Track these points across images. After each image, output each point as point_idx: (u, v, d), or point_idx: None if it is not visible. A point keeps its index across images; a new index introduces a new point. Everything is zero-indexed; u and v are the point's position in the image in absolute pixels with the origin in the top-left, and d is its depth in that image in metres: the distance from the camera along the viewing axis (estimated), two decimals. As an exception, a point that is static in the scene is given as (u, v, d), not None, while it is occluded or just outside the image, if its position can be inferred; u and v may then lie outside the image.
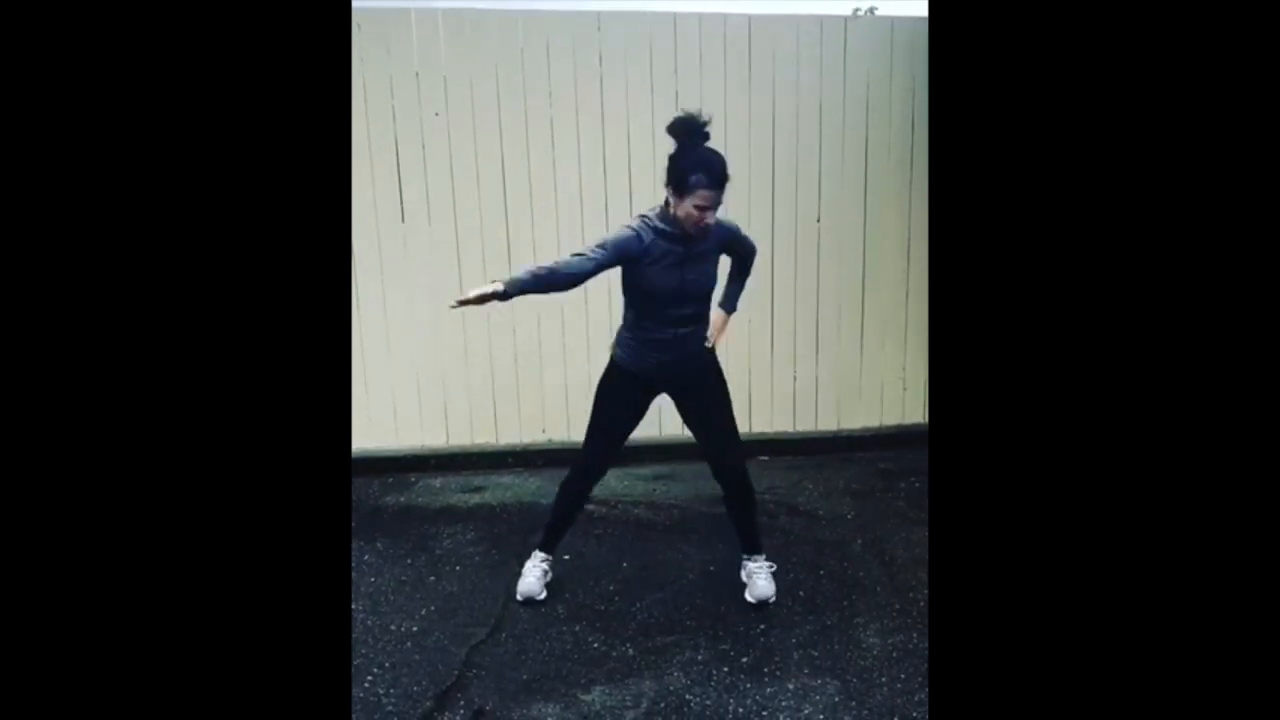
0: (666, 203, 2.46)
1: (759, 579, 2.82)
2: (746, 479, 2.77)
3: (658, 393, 2.76)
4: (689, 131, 2.40)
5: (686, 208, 2.39)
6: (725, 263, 2.72)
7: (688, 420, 2.81)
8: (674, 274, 2.49)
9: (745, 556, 2.89)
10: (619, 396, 2.70)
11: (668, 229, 2.46)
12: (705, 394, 2.73)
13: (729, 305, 2.82)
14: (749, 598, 2.81)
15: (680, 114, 2.43)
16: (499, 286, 2.25)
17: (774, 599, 2.79)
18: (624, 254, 2.43)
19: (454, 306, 2.28)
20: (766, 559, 2.88)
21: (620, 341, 2.69)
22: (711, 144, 2.43)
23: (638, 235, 2.44)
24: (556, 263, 2.34)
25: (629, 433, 2.78)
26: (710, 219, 2.41)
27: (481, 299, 2.24)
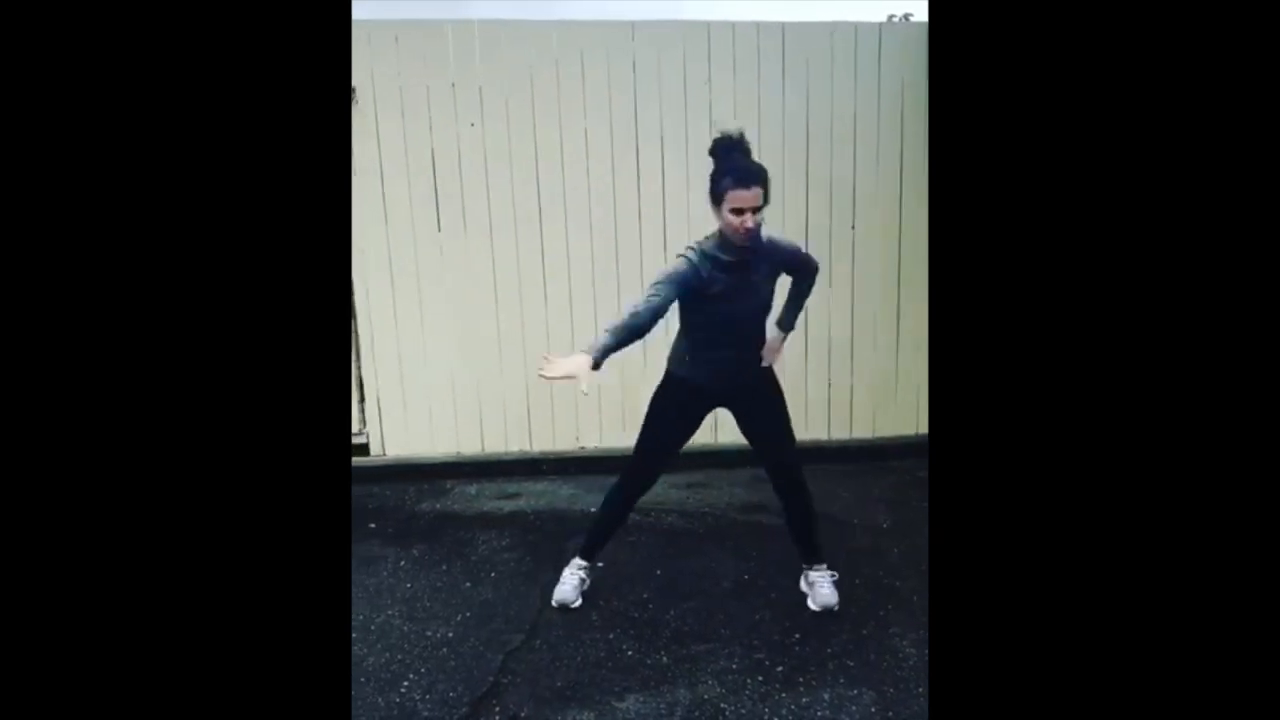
0: (720, 231, 2.47)
1: (821, 587, 2.80)
2: (803, 487, 2.76)
3: (713, 406, 2.78)
4: (719, 146, 2.43)
5: (726, 217, 2.40)
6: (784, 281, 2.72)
7: (744, 430, 2.81)
8: (733, 305, 2.51)
9: (805, 566, 2.87)
10: (674, 408, 2.72)
11: (723, 257, 2.46)
12: (761, 405, 2.74)
13: (786, 324, 2.79)
14: (813, 606, 2.79)
15: (716, 134, 2.45)
16: (586, 360, 2.20)
17: (838, 607, 2.76)
18: (685, 286, 2.42)
19: (542, 376, 2.22)
20: (828, 567, 2.85)
21: (676, 358, 2.70)
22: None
23: (695, 269, 2.43)
24: (629, 314, 2.31)
25: (682, 444, 2.79)
26: (751, 222, 2.38)
27: (570, 376, 2.18)
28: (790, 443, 2.77)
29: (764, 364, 2.72)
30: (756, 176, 2.38)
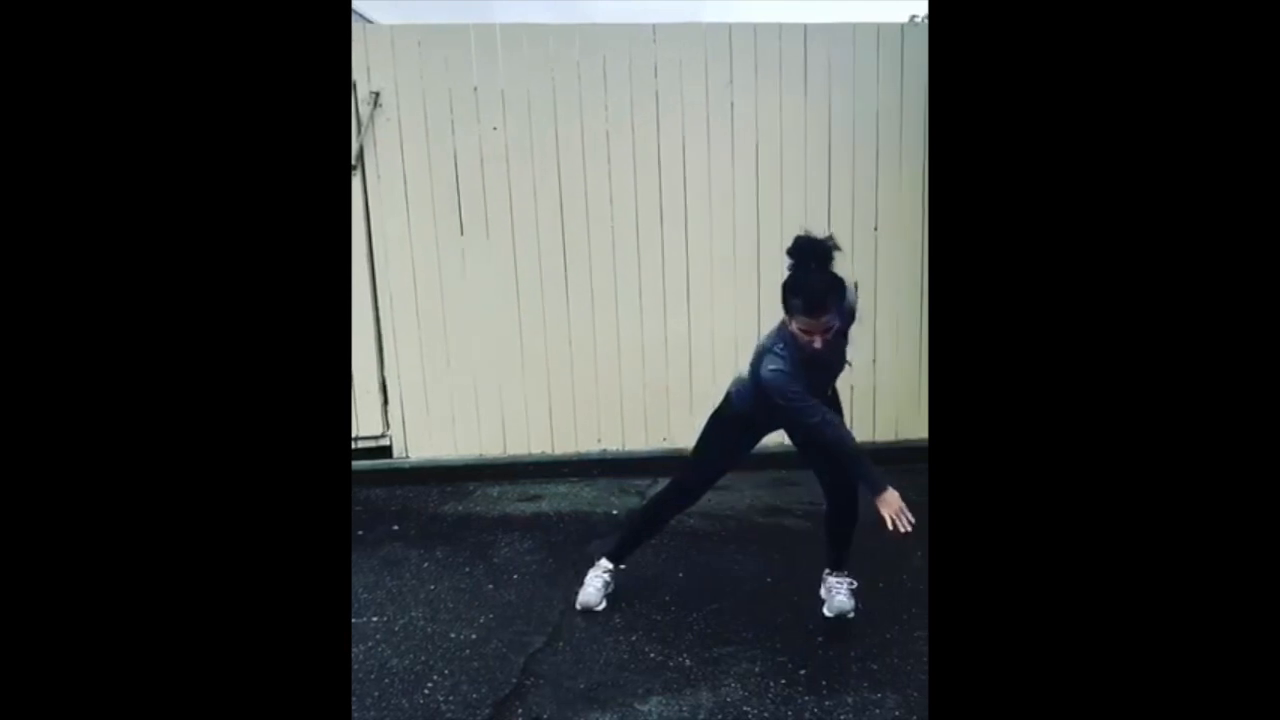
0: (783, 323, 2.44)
1: (839, 594, 2.77)
2: (856, 498, 2.73)
3: (769, 430, 2.78)
4: (797, 249, 2.33)
5: (795, 329, 2.36)
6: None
7: (798, 444, 2.80)
8: (809, 377, 2.47)
9: (828, 571, 2.85)
10: (730, 431, 2.74)
11: (798, 357, 2.42)
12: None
13: None
14: (827, 612, 2.77)
15: (798, 234, 2.34)
16: None
17: (852, 614, 2.73)
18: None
19: None
20: (848, 575, 2.84)
21: (739, 387, 2.66)
22: (835, 270, 2.35)
23: (791, 376, 2.40)
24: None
25: (734, 464, 2.85)
26: (818, 343, 2.34)
27: None
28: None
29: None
30: (826, 303, 2.28)
